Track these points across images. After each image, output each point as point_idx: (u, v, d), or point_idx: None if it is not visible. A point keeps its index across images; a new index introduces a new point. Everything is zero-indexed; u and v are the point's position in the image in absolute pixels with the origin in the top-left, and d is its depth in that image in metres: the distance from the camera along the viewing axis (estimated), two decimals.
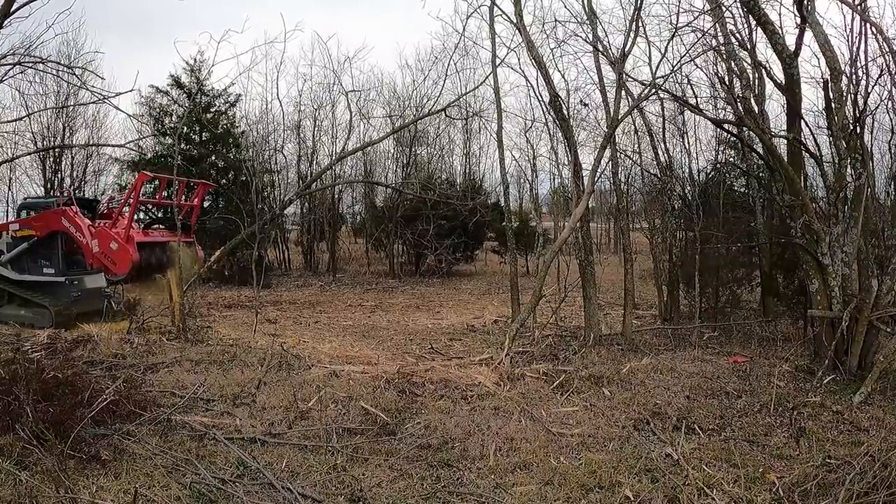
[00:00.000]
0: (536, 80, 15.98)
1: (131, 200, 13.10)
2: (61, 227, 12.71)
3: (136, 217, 13.82)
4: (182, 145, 20.73)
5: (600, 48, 11.28)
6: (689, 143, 15.23)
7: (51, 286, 12.73)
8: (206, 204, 15.42)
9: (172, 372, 8.27)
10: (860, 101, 8.60)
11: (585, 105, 14.62)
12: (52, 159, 23.13)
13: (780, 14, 13.71)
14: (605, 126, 11.78)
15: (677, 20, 10.28)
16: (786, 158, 9.22)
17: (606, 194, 28.78)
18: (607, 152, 11.30)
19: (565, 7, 25.38)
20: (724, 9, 10.15)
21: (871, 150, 10.15)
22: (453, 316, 15.10)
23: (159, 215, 17.23)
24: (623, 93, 10.94)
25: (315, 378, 7.86)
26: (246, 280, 18.90)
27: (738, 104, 9.65)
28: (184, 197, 14.39)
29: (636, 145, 15.27)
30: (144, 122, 21.75)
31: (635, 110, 11.69)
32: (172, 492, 4.67)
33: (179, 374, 8.16)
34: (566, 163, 13.41)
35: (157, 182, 15.49)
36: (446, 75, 16.69)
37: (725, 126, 11.75)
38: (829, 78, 8.25)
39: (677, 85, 12.54)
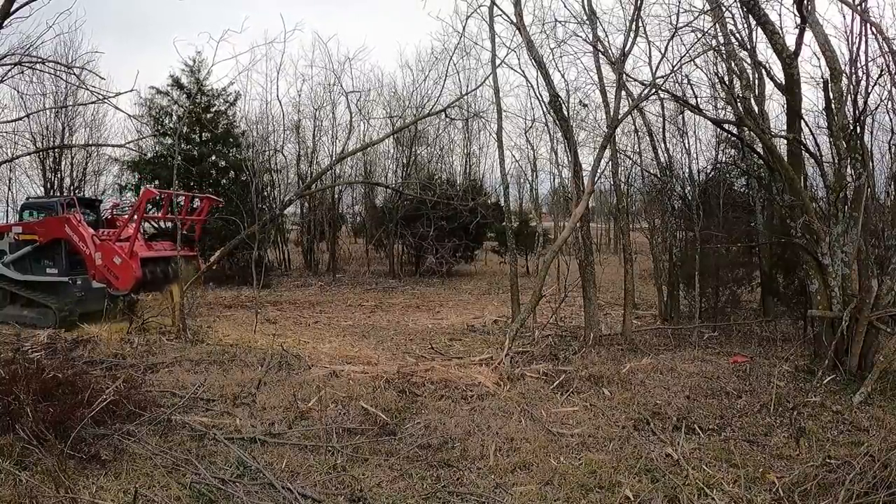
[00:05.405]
0: (536, 80, 16.09)
1: (136, 217, 13.12)
2: (64, 235, 12.69)
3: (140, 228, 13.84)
4: (182, 145, 20.72)
5: (600, 48, 11.30)
6: (689, 143, 15.23)
7: (54, 286, 12.72)
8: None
9: (172, 372, 8.29)
10: (860, 101, 8.60)
11: (585, 105, 14.65)
12: (51, 159, 23.13)
13: (780, 14, 13.82)
14: (605, 126, 11.79)
15: (677, 20, 10.30)
16: (786, 158, 9.22)
17: (606, 194, 28.80)
18: (607, 152, 11.30)
19: (565, 7, 25.55)
20: (724, 9, 10.16)
21: (871, 150, 10.14)
22: (453, 316, 15.09)
23: (163, 226, 17.23)
24: (623, 93, 10.95)
25: (315, 378, 7.88)
26: (246, 280, 18.88)
27: (738, 104, 9.64)
28: (188, 209, 14.39)
29: (636, 145, 15.28)
30: (144, 122, 21.74)
31: (635, 110, 11.69)
32: (172, 492, 4.68)
33: (179, 374, 8.18)
34: (566, 163, 13.43)
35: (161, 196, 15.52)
36: (446, 75, 16.82)
37: (725, 126, 11.75)
38: (829, 78, 8.25)
39: (677, 85, 12.56)
